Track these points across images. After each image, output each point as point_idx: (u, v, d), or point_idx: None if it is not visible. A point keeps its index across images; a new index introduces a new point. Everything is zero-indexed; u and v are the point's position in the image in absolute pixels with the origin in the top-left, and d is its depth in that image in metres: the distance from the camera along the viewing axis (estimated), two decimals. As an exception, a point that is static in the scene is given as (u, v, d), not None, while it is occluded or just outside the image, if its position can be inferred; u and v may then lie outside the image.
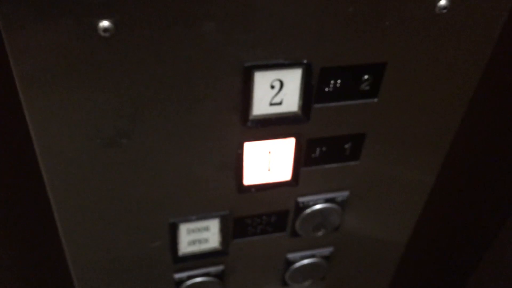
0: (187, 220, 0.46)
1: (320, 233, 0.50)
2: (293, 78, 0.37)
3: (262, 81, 0.37)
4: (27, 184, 0.48)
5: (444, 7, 0.36)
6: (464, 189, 0.64)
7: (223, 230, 0.48)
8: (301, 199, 0.47)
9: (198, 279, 0.51)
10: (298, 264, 0.54)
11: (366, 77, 0.39)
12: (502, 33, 0.38)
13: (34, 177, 0.42)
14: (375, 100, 0.41)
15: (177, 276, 0.51)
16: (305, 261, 0.54)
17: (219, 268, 0.52)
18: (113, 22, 0.31)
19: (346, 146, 0.44)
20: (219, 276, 0.52)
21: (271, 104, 0.39)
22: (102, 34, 0.31)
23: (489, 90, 0.51)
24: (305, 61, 0.37)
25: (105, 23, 0.31)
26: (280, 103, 0.39)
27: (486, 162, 0.61)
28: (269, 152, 0.42)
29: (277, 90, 0.38)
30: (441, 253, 0.73)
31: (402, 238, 0.56)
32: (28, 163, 0.43)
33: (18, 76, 0.33)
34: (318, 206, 0.48)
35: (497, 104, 0.54)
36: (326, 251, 0.54)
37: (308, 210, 0.48)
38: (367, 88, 0.40)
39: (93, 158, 0.38)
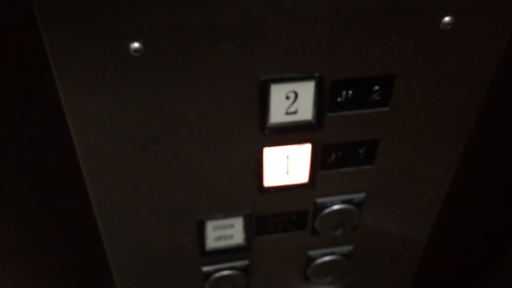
0: (213, 218, 0.50)
1: (338, 232, 0.53)
2: (306, 90, 0.41)
3: (278, 92, 0.40)
4: (70, 186, 0.53)
5: (448, 24, 0.38)
6: (482, 187, 0.65)
7: (247, 228, 0.51)
8: (319, 200, 0.50)
9: (225, 272, 0.55)
10: (319, 261, 0.57)
11: (376, 88, 0.42)
12: (509, 45, 0.40)
13: (77, 180, 0.47)
14: (386, 109, 0.43)
15: (205, 269, 0.55)
16: (326, 258, 0.57)
17: (244, 262, 0.55)
18: (143, 43, 0.35)
19: (361, 151, 0.47)
20: (244, 270, 0.56)
21: (287, 113, 0.42)
22: (133, 54, 0.36)
23: (502, 98, 0.52)
24: (317, 74, 0.40)
25: (135, 45, 0.35)
26: (295, 112, 0.42)
27: (500, 163, 0.62)
28: (287, 157, 0.46)
29: (292, 100, 0.41)
30: (463, 251, 0.74)
31: (421, 236, 0.58)
32: (71, 168, 0.48)
33: (62, 89, 0.37)
34: (335, 207, 0.51)
35: (508, 112, 0.55)
36: (346, 249, 0.57)
37: (327, 210, 0.51)
38: (378, 98, 0.42)
39: (127, 162, 0.43)
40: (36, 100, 0.45)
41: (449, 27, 0.38)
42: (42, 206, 0.55)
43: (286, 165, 0.46)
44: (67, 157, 0.47)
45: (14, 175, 0.51)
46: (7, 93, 0.44)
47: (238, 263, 0.55)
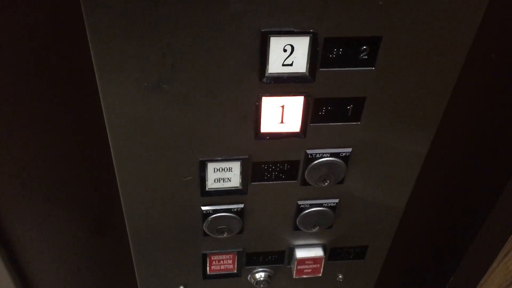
0: (214, 160, 0.56)
1: (326, 184, 0.59)
2: (302, 44, 0.46)
3: (276, 44, 0.46)
4: (91, 122, 0.59)
5: (431, -10, 0.43)
6: (463, 156, 0.69)
7: (243, 172, 0.57)
8: (309, 151, 0.56)
9: (222, 213, 0.62)
10: (307, 211, 0.63)
11: (364, 48, 0.47)
12: (487, 11, 0.45)
13: (97, 117, 0.53)
14: (373, 68, 0.49)
15: (204, 209, 0.61)
16: (314, 209, 0.63)
17: (240, 206, 0.61)
18: (160, -9, 0.41)
19: (349, 107, 0.52)
20: (239, 213, 0.62)
21: (283, 65, 0.47)
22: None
23: (481, 63, 0.57)
24: (311, 31, 0.45)
25: (154, -9, 0.41)
26: (291, 64, 0.48)
27: (483, 128, 0.66)
28: (282, 107, 0.51)
29: (288, 53, 0.47)
30: (443, 215, 0.79)
31: (403, 195, 0.64)
32: (92, 104, 0.55)
33: (90, 31, 0.43)
34: (324, 159, 0.57)
35: (488, 77, 0.59)
36: (333, 201, 0.63)
37: (316, 162, 0.57)
38: (365, 57, 0.48)
39: (142, 98, 0.49)
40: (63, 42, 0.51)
41: (432, -8, 0.43)
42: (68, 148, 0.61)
43: (281, 115, 0.52)
44: (89, 95, 0.54)
45: (34, 113, 0.57)
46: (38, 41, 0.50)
47: (234, 206, 0.61)
